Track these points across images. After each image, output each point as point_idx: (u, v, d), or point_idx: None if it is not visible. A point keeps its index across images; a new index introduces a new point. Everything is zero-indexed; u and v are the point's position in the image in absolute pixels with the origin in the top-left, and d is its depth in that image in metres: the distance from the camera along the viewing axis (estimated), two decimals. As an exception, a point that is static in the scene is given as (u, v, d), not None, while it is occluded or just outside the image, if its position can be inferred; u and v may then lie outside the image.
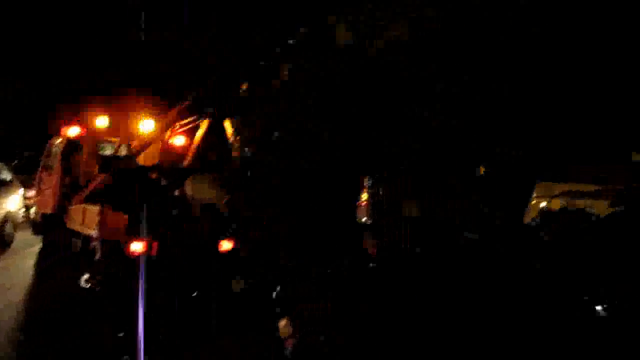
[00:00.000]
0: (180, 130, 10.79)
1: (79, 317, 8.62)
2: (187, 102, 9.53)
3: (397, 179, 6.59)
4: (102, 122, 11.18)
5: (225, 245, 9.57)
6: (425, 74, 9.81)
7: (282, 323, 7.04)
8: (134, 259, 8.91)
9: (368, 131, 8.02)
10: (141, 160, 10.67)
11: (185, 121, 10.38)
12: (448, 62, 9.45)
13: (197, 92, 9.45)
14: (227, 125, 10.24)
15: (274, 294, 7.94)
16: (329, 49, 10.07)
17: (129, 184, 9.47)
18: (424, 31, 10.95)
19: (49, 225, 11.55)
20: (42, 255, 12.10)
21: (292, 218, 8.01)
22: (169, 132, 10.66)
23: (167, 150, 11.11)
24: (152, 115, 10.45)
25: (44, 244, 12.22)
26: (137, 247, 8.90)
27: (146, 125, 10.40)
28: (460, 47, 9.28)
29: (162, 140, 10.81)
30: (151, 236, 8.98)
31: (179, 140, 11.18)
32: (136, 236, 8.90)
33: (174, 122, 10.05)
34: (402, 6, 10.26)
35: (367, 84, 9.55)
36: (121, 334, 7.76)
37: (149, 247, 8.96)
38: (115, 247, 9.00)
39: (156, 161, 10.84)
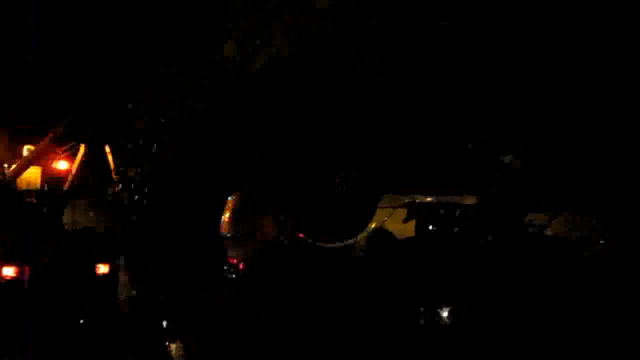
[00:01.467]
0: (62, 155, 10.87)
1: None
2: (60, 129, 9.71)
3: (254, 197, 7.05)
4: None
5: (102, 269, 9.70)
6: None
7: (174, 347, 7.36)
8: (6, 283, 8.93)
9: (229, 153, 8.49)
10: (21, 184, 10.71)
11: (66, 146, 10.51)
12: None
13: (69, 119, 9.66)
14: (107, 150, 10.46)
15: (165, 323, 8.22)
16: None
17: (1, 209, 9.50)
18: (304, 47, 11.60)
19: None
20: None
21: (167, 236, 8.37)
22: (49, 157, 10.72)
23: (50, 174, 11.14)
24: (29, 141, 10.53)
25: None
26: (8, 271, 8.92)
27: (24, 151, 10.51)
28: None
29: (44, 165, 10.84)
30: (23, 261, 9.01)
31: (62, 165, 11.24)
32: (7, 261, 8.92)
33: (51, 147, 10.16)
34: (283, 22, 10.90)
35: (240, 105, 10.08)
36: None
37: (20, 271, 8.99)
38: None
39: (37, 186, 10.89)
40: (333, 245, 6.95)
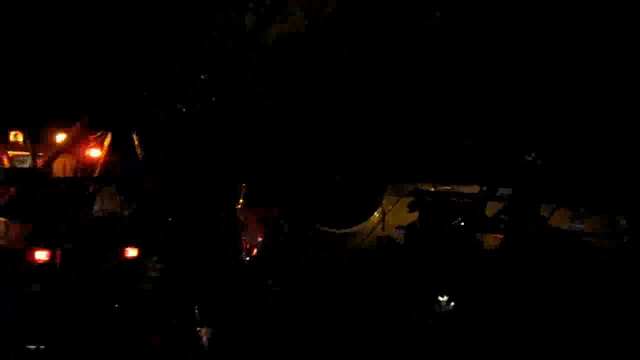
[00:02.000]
0: (94, 143, 11.24)
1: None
2: (85, 118, 10.07)
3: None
4: (16, 136, 11.56)
5: (130, 252, 10.07)
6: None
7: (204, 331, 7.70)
8: (38, 267, 9.37)
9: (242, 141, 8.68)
10: (58, 172, 11.19)
11: (97, 134, 10.88)
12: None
13: (94, 109, 10.02)
14: (135, 138, 10.80)
15: (196, 310, 8.55)
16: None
17: (35, 195, 9.94)
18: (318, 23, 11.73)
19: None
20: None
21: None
22: (80, 146, 11.11)
23: (82, 162, 11.53)
24: (62, 129, 10.92)
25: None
26: (41, 255, 9.36)
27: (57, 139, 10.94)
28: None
29: (75, 153, 11.25)
30: (54, 245, 9.43)
31: (93, 153, 11.62)
32: (40, 245, 9.34)
33: (80, 136, 10.54)
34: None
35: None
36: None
37: (52, 255, 9.42)
38: (19, 255, 9.41)
39: (70, 173, 11.33)
40: (339, 231, 7.08)
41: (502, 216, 7.27)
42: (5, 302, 9.40)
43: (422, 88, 9.34)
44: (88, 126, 10.34)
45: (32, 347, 7.82)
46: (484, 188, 7.33)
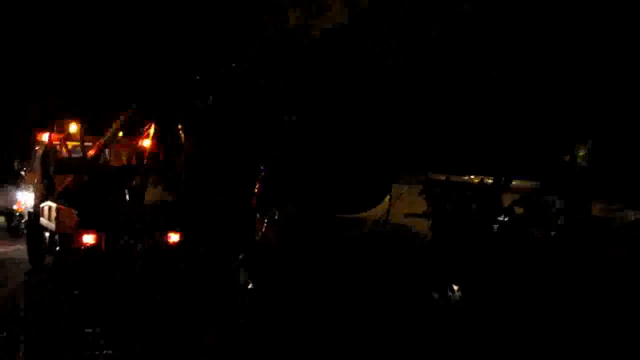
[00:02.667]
0: (146, 134, 11.79)
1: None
2: (131, 110, 10.60)
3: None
4: (73, 128, 12.28)
5: (173, 237, 10.53)
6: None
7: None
8: (87, 250, 9.97)
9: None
10: (112, 161, 11.88)
11: (148, 126, 11.42)
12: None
13: (138, 102, 10.54)
14: (180, 130, 11.26)
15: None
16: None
17: (84, 183, 10.58)
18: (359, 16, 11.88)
19: (30, 223, 12.79)
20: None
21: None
22: (131, 136, 11.69)
23: (134, 152, 12.11)
24: (125, 121, 11.51)
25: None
26: (88, 239, 9.95)
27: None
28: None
29: (126, 143, 11.85)
30: (100, 229, 10.00)
31: (143, 142, 12.18)
32: (87, 229, 9.93)
33: (128, 126, 11.10)
34: None
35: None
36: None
37: (99, 239, 9.99)
38: (69, 239, 10.05)
39: (123, 162, 11.98)
40: (351, 216, 7.17)
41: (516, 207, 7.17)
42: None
43: (451, 75, 9.32)
44: (135, 117, 10.88)
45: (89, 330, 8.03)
46: (499, 179, 7.22)
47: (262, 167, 7.23)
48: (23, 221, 15.01)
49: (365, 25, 11.89)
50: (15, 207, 16.91)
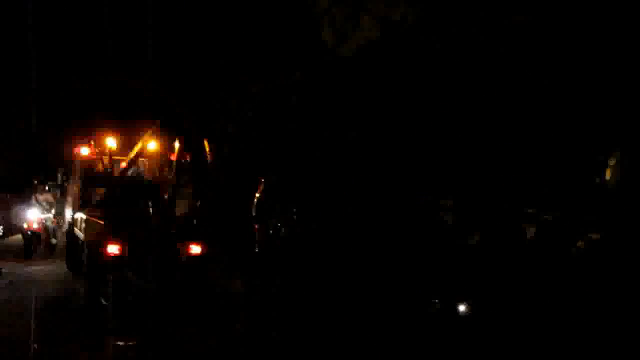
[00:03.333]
0: (166, 148, 12.24)
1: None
2: (157, 125, 11.05)
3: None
4: (111, 143, 12.84)
5: (194, 249, 10.83)
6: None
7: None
8: (112, 258, 10.38)
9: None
10: (147, 175, 12.37)
11: (168, 139, 11.86)
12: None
13: (163, 117, 10.99)
14: (205, 144, 11.65)
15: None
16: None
17: (111, 196, 11.06)
18: (391, 32, 12.08)
19: (68, 233, 13.40)
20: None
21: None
22: (158, 151, 12.15)
23: (162, 165, 12.56)
24: (155, 137, 12.01)
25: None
26: (112, 249, 10.36)
27: (152, 147, 12.10)
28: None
29: (153, 157, 12.30)
30: (125, 239, 10.38)
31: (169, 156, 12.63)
32: (111, 240, 10.33)
33: (153, 141, 11.56)
34: (371, 7, 11.50)
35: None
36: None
37: (123, 248, 10.38)
38: (95, 248, 10.48)
39: (153, 175, 12.44)
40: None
41: None
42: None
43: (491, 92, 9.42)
44: (161, 131, 11.34)
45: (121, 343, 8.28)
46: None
47: (262, 179, 7.44)
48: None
49: (398, 40, 12.01)
50: (25, 225, 16.67)
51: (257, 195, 7.38)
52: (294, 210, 7.15)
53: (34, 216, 16.48)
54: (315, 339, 6.88)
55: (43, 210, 16.55)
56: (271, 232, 7.36)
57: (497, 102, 10.99)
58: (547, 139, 10.01)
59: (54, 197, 16.21)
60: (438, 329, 7.01)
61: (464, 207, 8.29)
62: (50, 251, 16.51)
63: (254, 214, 7.45)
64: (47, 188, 17.10)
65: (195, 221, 11.07)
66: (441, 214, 7.83)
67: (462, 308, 7.25)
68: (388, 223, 7.28)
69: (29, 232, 16.44)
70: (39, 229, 16.46)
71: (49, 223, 16.52)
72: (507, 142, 10.50)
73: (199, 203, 11.26)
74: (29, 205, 16.85)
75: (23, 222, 16.90)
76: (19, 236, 18.34)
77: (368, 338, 6.70)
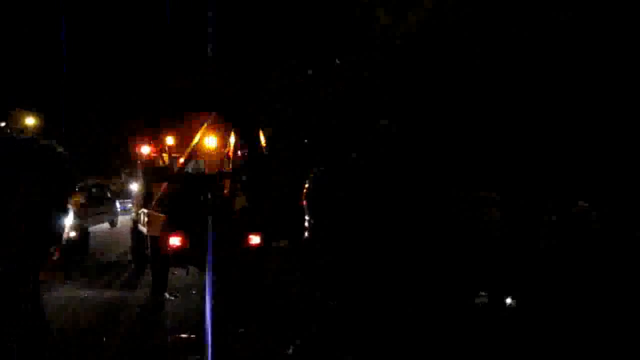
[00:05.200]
0: (223, 140, 12.40)
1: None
2: (213, 117, 11.19)
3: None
4: (170, 140, 13.11)
5: (254, 239, 10.91)
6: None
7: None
8: (174, 251, 10.57)
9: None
10: (207, 169, 12.56)
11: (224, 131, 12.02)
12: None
13: (217, 109, 11.11)
14: (260, 134, 11.72)
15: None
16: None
17: (172, 190, 11.29)
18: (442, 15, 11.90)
19: (133, 230, 13.77)
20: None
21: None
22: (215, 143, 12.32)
23: (220, 158, 12.73)
24: (212, 132, 12.20)
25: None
26: (174, 241, 10.56)
27: (210, 142, 12.29)
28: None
29: (210, 150, 12.48)
30: (186, 231, 10.56)
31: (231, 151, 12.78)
32: (173, 231, 10.52)
33: (209, 134, 11.72)
34: None
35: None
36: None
37: (184, 241, 10.56)
38: (157, 241, 10.72)
39: (213, 168, 12.62)
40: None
41: None
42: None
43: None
44: (217, 124, 11.49)
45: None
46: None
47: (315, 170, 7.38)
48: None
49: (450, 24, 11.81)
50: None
51: (306, 186, 7.31)
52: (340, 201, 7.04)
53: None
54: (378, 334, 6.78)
55: None
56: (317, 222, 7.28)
57: (550, 88, 10.67)
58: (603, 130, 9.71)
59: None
60: (484, 322, 6.88)
61: (512, 201, 8.07)
62: None
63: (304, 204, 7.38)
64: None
65: (254, 213, 11.14)
66: (486, 210, 7.60)
67: (509, 301, 7.13)
68: (433, 215, 7.12)
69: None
70: None
71: None
72: (559, 131, 10.19)
73: (254, 195, 11.33)
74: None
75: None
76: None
77: (417, 330, 6.57)
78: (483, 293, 7.11)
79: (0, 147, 4.31)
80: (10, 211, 3.42)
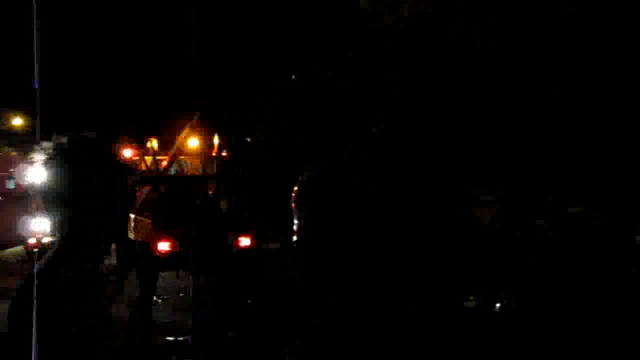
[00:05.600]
0: (206, 143, 12.34)
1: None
2: (194, 121, 11.12)
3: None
4: (154, 143, 13.00)
5: (244, 241, 10.90)
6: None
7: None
8: (163, 256, 10.51)
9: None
10: (190, 172, 12.48)
11: (207, 135, 11.97)
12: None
13: (199, 114, 11.06)
14: (248, 140, 11.74)
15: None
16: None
17: (156, 194, 11.22)
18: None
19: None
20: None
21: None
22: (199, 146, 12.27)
23: (205, 161, 12.67)
24: (192, 132, 12.12)
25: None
26: (163, 246, 10.50)
27: (193, 143, 12.23)
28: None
29: (203, 155, 12.42)
30: (175, 236, 10.51)
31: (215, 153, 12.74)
32: (162, 236, 10.45)
33: (191, 137, 11.66)
34: None
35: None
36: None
37: (173, 245, 10.51)
38: (146, 246, 10.64)
39: (196, 172, 12.55)
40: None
41: None
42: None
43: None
44: (200, 125, 11.44)
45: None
46: None
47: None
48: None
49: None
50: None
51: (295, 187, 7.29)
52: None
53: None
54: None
55: None
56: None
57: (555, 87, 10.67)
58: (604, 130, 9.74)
59: None
60: (474, 325, 6.93)
61: (506, 201, 8.14)
62: None
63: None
64: None
65: (243, 214, 11.14)
66: (477, 209, 7.66)
67: (499, 305, 7.18)
68: (428, 216, 7.14)
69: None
70: None
71: None
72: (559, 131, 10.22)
73: (237, 197, 11.33)
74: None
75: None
76: None
77: (408, 332, 6.60)
78: (471, 297, 7.15)
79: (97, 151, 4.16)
80: (107, 211, 3.44)
